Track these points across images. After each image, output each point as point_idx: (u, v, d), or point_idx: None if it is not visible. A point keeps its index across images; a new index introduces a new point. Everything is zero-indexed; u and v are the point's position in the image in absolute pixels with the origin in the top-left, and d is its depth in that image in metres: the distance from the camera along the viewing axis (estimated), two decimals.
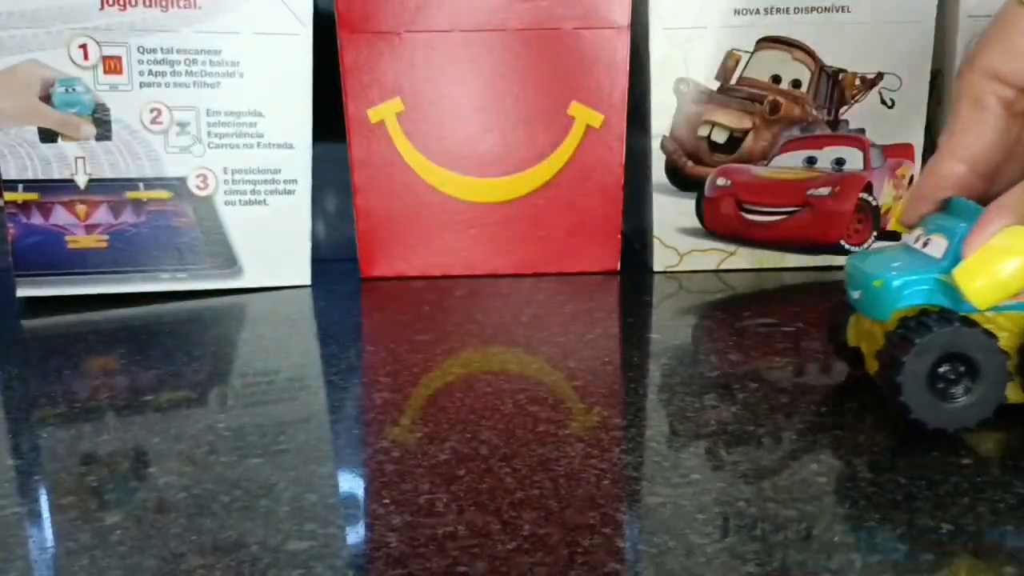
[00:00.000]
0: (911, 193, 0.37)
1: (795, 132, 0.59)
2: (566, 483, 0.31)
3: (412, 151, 0.58)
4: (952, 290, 0.33)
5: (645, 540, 0.27)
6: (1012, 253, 0.31)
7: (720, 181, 0.59)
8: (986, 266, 0.31)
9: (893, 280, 0.34)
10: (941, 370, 0.33)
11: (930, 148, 0.61)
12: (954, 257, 0.33)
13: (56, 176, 0.54)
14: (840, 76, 0.58)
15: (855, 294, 0.36)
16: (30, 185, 0.54)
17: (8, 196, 0.54)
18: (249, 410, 0.38)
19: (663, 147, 0.59)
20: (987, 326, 0.33)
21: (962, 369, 0.33)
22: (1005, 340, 0.33)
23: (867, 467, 0.31)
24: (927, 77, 0.58)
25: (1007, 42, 0.35)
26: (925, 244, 0.35)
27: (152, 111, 0.55)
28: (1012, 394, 0.34)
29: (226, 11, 0.55)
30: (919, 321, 0.33)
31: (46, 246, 0.55)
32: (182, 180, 0.56)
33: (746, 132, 0.59)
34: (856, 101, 0.58)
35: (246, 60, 0.55)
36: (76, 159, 0.54)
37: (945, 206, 0.35)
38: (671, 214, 0.60)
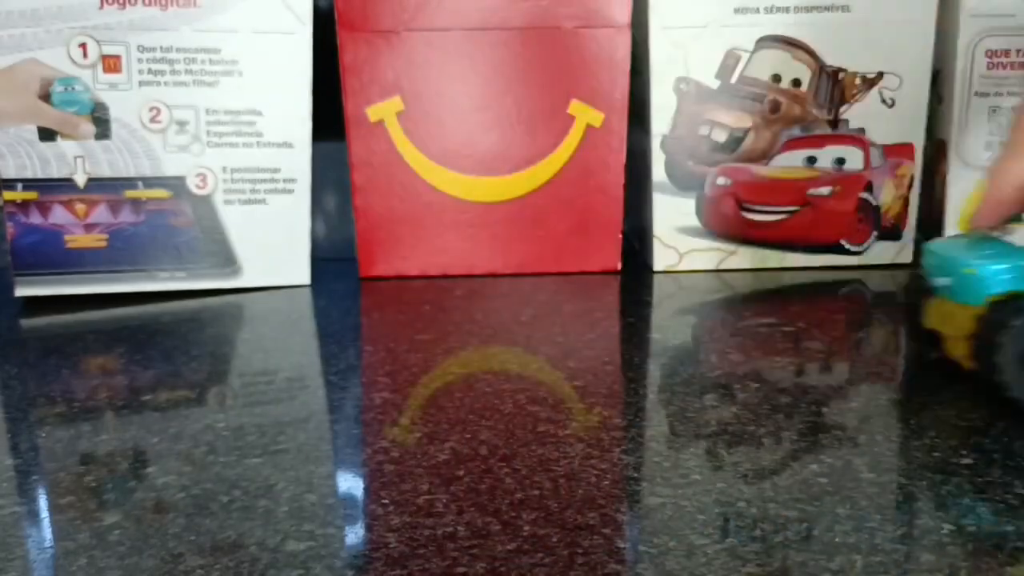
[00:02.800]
0: (987, 197, 0.39)
1: (795, 131, 0.59)
2: (566, 483, 0.30)
3: (412, 150, 0.58)
4: None
5: (645, 541, 0.27)
6: None
7: (720, 181, 0.59)
8: None
9: (986, 268, 0.36)
10: None
11: (930, 148, 0.61)
12: None
13: (55, 175, 0.54)
14: (840, 75, 0.58)
15: (942, 280, 0.38)
16: (29, 184, 0.54)
17: (7, 195, 0.54)
18: (248, 410, 0.38)
19: (663, 147, 0.59)
20: None
21: None
22: None
23: (867, 467, 0.31)
24: (927, 77, 0.58)
25: None
26: (1006, 233, 0.38)
27: (151, 110, 0.54)
28: None
29: (225, 10, 0.54)
30: (1014, 305, 0.35)
31: (45, 245, 0.54)
32: (181, 179, 0.55)
33: (746, 131, 0.59)
34: (856, 100, 0.58)
35: (245, 59, 0.55)
36: (75, 158, 0.54)
37: None
38: (671, 214, 0.60)
